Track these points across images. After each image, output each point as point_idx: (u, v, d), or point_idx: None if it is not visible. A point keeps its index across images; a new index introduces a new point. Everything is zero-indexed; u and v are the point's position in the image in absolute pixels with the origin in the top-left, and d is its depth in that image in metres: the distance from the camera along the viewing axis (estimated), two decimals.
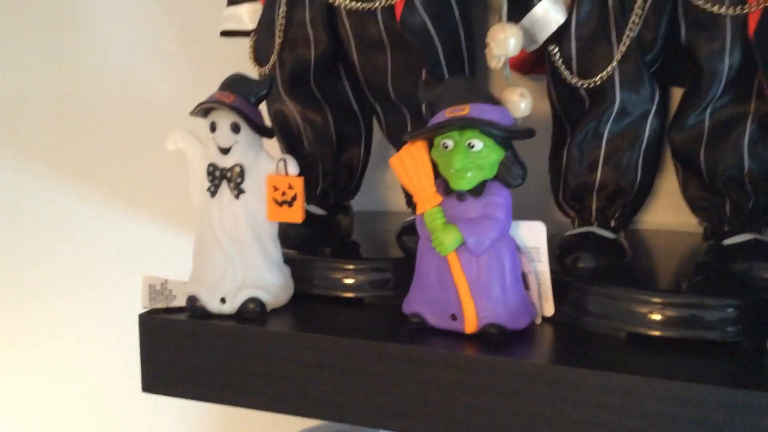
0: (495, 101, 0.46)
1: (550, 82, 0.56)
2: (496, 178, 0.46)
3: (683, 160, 0.55)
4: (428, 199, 0.46)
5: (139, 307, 0.53)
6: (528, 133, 0.45)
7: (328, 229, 0.64)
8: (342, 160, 0.65)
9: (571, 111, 0.55)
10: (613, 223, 0.55)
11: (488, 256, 0.45)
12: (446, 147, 0.45)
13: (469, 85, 0.46)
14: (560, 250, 0.53)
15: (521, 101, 0.46)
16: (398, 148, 0.62)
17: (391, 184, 0.76)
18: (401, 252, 0.58)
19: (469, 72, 0.60)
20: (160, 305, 0.52)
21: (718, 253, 0.52)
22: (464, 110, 0.44)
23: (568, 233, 0.56)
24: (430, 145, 0.47)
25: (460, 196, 0.46)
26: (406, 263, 0.53)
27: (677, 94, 0.57)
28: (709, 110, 0.52)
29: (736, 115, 0.52)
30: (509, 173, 0.46)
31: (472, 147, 0.44)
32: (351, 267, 0.54)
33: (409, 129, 0.60)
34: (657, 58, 0.53)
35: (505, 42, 0.47)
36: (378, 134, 0.67)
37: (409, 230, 0.59)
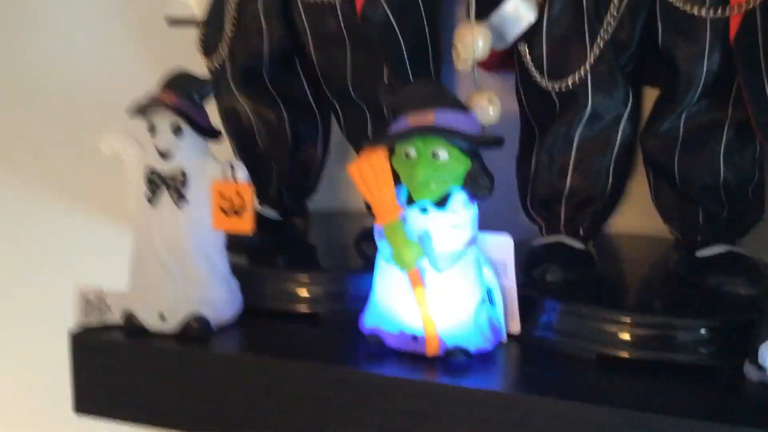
0: (462, 107, 0.42)
1: (519, 83, 0.52)
2: (461, 189, 0.42)
3: (656, 167, 0.53)
4: (388, 211, 0.43)
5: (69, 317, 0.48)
6: (496, 142, 0.41)
7: (282, 234, 0.60)
8: (298, 160, 0.61)
9: (540, 113, 0.52)
10: (582, 232, 0.52)
11: (452, 272, 0.42)
12: (408, 156, 0.42)
13: (434, 90, 0.42)
14: (527, 261, 0.50)
15: (489, 107, 0.43)
16: (357, 148, 0.59)
17: (349, 181, 0.72)
18: (360, 260, 0.55)
19: (434, 70, 0.56)
20: (94, 320, 0.47)
21: (691, 265, 0.50)
22: (428, 117, 0.41)
23: (535, 242, 0.53)
24: (391, 153, 0.43)
25: (423, 208, 0.42)
26: (365, 273, 0.50)
27: (650, 98, 0.54)
28: (684, 116, 0.49)
29: (713, 121, 0.49)
30: (475, 184, 0.42)
31: (437, 157, 0.41)
32: (304, 279, 0.51)
33: (369, 128, 0.57)
34: (631, 60, 0.50)
35: (472, 44, 0.43)
36: (337, 131, 0.63)
37: (369, 236, 0.55)
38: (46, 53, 0.82)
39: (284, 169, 0.60)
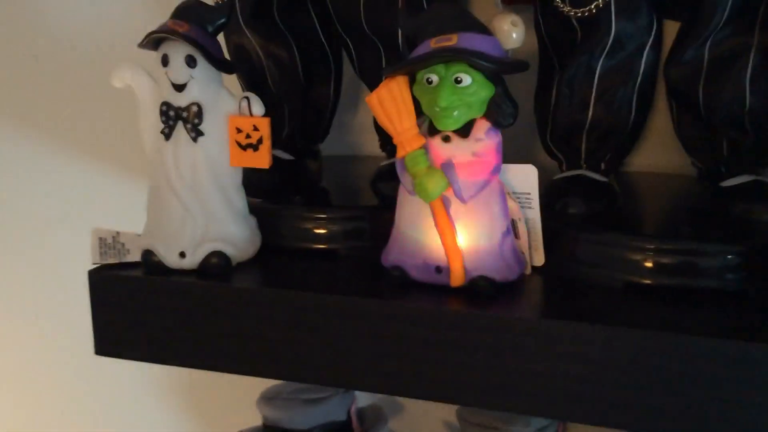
0: (485, 30, 0.41)
1: (538, 12, 0.51)
2: (485, 116, 0.41)
3: (679, 97, 0.52)
4: (410, 141, 0.42)
5: (90, 262, 0.48)
6: (521, 66, 0.40)
7: (296, 176, 0.59)
8: (310, 99, 0.60)
9: (560, 44, 0.51)
10: (603, 166, 0.52)
11: (476, 202, 0.41)
12: (430, 82, 0.40)
13: (456, 12, 0.41)
14: (549, 195, 0.49)
15: (513, 30, 0.41)
16: (371, 86, 0.58)
17: (361, 126, 0.71)
18: (376, 199, 0.54)
19: None
20: (111, 260, 0.47)
21: (716, 195, 0.49)
22: (451, 40, 0.39)
23: (556, 176, 0.52)
24: (412, 81, 0.42)
25: (446, 137, 0.41)
26: (382, 211, 0.49)
27: (672, 27, 0.52)
28: (709, 43, 0.48)
29: (738, 47, 0.48)
30: (500, 111, 0.41)
31: (460, 82, 0.40)
32: (323, 216, 0.50)
33: (384, 65, 0.55)
34: None
35: None
36: (347, 72, 0.61)
37: (385, 175, 0.54)
38: (53, 8, 0.79)
39: (296, 110, 0.59)
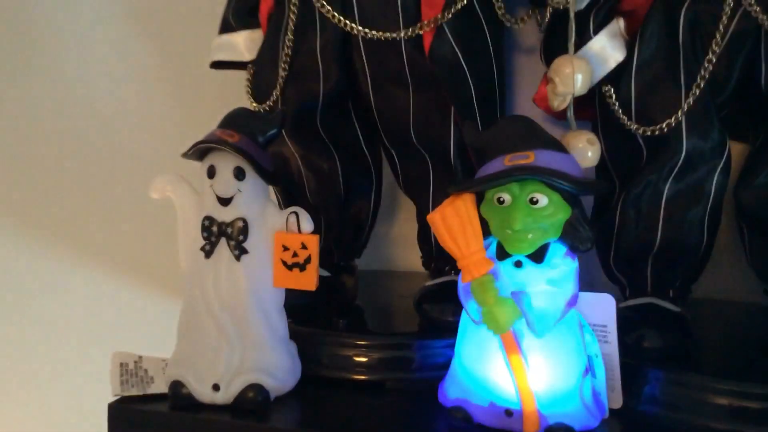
0: (562, 148, 0.38)
1: (599, 128, 0.48)
2: (560, 240, 0.38)
3: (752, 222, 0.48)
4: (477, 266, 0.38)
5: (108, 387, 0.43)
6: (603, 187, 0.37)
7: (332, 294, 0.54)
8: (349, 213, 0.56)
9: (622, 162, 0.48)
10: (671, 293, 0.47)
11: (552, 336, 0.37)
12: (502, 202, 0.37)
13: (530, 128, 0.38)
14: (619, 326, 0.44)
15: (589, 149, 0.39)
16: (416, 199, 0.54)
17: (396, 240, 0.67)
18: (422, 322, 0.49)
19: (500, 113, 0.52)
20: (134, 392, 0.41)
21: None
22: (528, 158, 0.36)
23: (623, 304, 0.47)
24: (479, 199, 0.38)
25: (517, 262, 0.37)
26: (431, 338, 0.45)
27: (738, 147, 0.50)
28: None
29: None
30: (576, 235, 0.38)
31: (535, 203, 0.36)
32: (366, 343, 0.45)
33: (432, 179, 0.52)
34: (727, 103, 0.46)
35: (572, 78, 0.39)
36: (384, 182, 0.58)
37: (431, 296, 0.50)
38: (80, 115, 0.77)
39: (334, 223, 0.56)
